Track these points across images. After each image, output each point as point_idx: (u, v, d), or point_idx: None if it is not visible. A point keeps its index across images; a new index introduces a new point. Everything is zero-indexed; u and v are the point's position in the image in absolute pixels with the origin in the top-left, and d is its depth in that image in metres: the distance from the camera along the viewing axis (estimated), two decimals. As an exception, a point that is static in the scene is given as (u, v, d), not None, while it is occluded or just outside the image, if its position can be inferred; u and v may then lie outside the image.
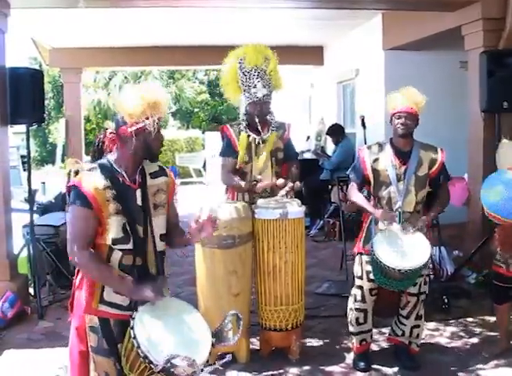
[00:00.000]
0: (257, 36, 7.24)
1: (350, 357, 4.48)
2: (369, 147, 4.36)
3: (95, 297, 2.74)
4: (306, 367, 4.38)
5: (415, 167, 4.17)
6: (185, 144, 20.44)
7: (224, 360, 2.74)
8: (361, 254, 4.28)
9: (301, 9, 7.49)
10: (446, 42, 7.50)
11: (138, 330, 2.53)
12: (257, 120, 4.60)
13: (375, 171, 4.22)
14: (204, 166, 18.48)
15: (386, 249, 3.89)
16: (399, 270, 3.79)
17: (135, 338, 2.51)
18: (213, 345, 2.69)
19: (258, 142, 4.69)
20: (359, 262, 4.29)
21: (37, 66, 18.09)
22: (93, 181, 2.68)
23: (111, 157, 2.80)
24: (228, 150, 4.75)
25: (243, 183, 4.62)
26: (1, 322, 5.21)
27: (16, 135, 15.39)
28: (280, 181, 4.63)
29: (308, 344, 4.81)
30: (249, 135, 4.68)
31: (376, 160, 4.23)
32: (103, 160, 2.80)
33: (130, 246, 2.74)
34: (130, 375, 2.62)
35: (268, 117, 4.70)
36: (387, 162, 4.19)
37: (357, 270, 4.32)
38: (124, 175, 2.77)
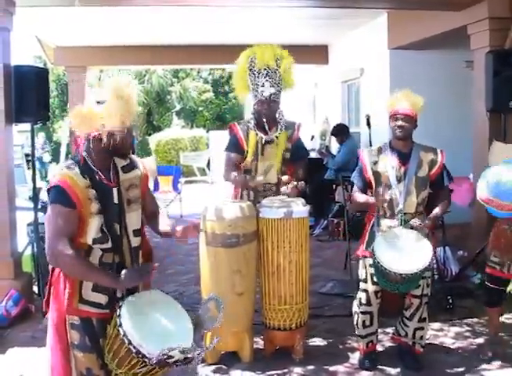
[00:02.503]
0: (261, 35, 7.26)
1: (354, 357, 4.47)
2: (368, 150, 4.38)
3: (75, 297, 2.72)
4: (310, 367, 4.38)
5: (415, 168, 4.17)
6: (189, 143, 20.43)
7: (214, 342, 2.77)
8: (364, 257, 4.26)
9: (306, 8, 7.48)
10: (452, 42, 7.49)
11: (127, 326, 2.53)
12: (264, 119, 4.61)
13: (375, 173, 4.23)
14: (208, 165, 18.48)
15: (387, 252, 3.88)
16: (400, 274, 3.78)
17: (124, 335, 2.51)
18: (194, 331, 2.70)
19: (265, 142, 4.68)
20: (363, 266, 4.28)
21: (41, 65, 18.12)
22: (75, 180, 2.67)
23: (85, 154, 2.77)
24: (234, 146, 4.77)
25: (239, 178, 4.61)
26: (6, 320, 5.22)
27: (20, 133, 15.40)
28: (285, 177, 4.65)
29: (312, 343, 4.80)
30: (256, 134, 4.69)
31: (376, 162, 4.24)
32: (78, 159, 2.77)
33: (109, 245, 2.75)
34: (117, 370, 2.63)
35: (276, 116, 4.71)
36: (387, 164, 4.19)
37: (361, 273, 4.31)
38: (100, 173, 2.76)
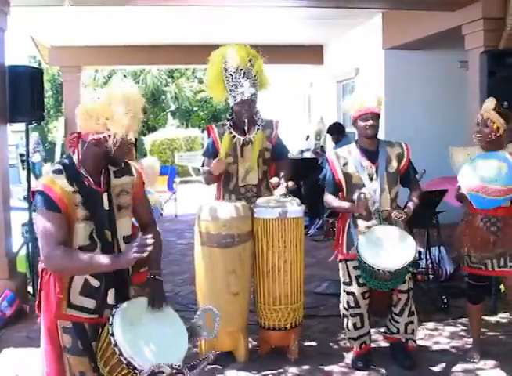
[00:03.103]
0: (256, 35, 7.27)
1: (349, 357, 4.47)
2: (336, 152, 4.39)
3: (64, 301, 2.67)
4: (305, 367, 4.38)
5: (385, 164, 4.20)
6: (184, 143, 20.42)
7: (205, 360, 2.67)
8: (346, 260, 4.26)
9: (301, 8, 7.47)
10: (446, 42, 7.50)
11: (118, 336, 2.49)
12: (245, 120, 4.56)
13: (346, 174, 4.24)
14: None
15: (372, 251, 3.89)
16: (389, 271, 3.79)
17: (116, 345, 2.47)
18: (189, 339, 2.67)
19: (243, 143, 4.66)
20: (345, 268, 4.27)
21: (36, 65, 18.08)
22: (60, 184, 2.59)
23: (75, 158, 2.69)
24: (210, 150, 4.76)
25: (211, 166, 4.58)
26: (0, 320, 5.21)
27: (14, 133, 15.37)
28: (275, 179, 4.62)
29: (307, 343, 4.80)
30: (234, 136, 4.65)
31: (345, 164, 4.24)
32: (66, 161, 2.70)
33: (98, 253, 2.65)
34: None
35: (254, 116, 4.68)
36: (357, 164, 4.21)
37: (344, 277, 4.30)
38: (89, 178, 2.68)
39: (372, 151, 4.24)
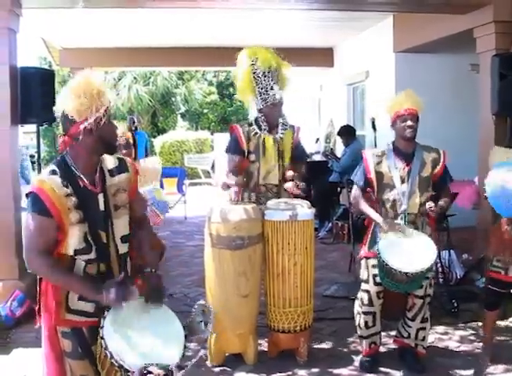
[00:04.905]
0: (266, 38, 7.27)
1: (358, 360, 4.46)
2: (372, 150, 4.38)
3: (62, 306, 2.65)
4: (314, 370, 4.37)
5: (418, 168, 4.18)
6: (193, 145, 20.46)
7: (196, 358, 2.68)
8: (367, 258, 4.26)
9: (311, 11, 7.49)
10: (457, 45, 7.48)
11: (109, 339, 2.48)
12: (273, 121, 4.64)
13: (378, 173, 4.22)
14: (213, 167, 18.46)
15: (392, 252, 3.88)
16: (406, 273, 3.78)
17: (106, 348, 2.46)
18: (186, 337, 2.65)
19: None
20: (365, 266, 4.28)
21: (47, 67, 18.16)
22: (53, 187, 2.54)
23: (68, 159, 2.65)
24: (235, 147, 4.75)
25: (234, 178, 4.62)
26: (10, 321, 5.23)
27: (25, 134, 15.42)
28: (290, 173, 4.66)
29: (316, 346, 4.80)
30: (260, 135, 4.69)
31: (379, 162, 4.24)
32: (60, 163, 2.65)
33: (92, 255, 2.63)
34: None
35: (281, 118, 4.74)
36: (391, 164, 4.20)
37: (363, 274, 4.30)
38: (84, 178, 2.63)
39: (407, 153, 4.21)
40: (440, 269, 5.81)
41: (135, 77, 22.71)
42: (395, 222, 4.08)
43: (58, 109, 2.63)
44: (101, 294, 2.52)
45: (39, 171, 6.25)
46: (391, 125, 4.25)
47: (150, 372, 2.41)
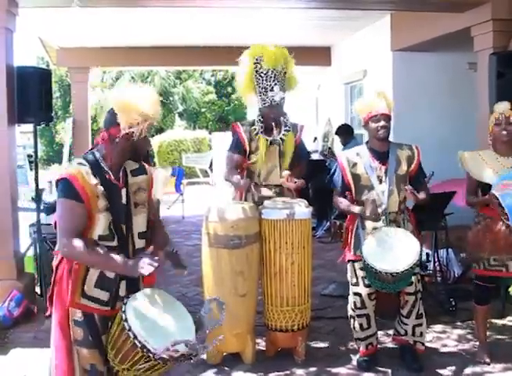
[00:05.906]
0: (264, 36, 7.23)
1: (356, 359, 4.45)
2: (346, 153, 4.38)
3: (77, 291, 2.75)
4: (312, 369, 4.37)
5: (395, 166, 4.18)
6: (191, 144, 20.47)
7: (218, 338, 2.77)
8: (353, 261, 4.25)
9: (309, 10, 7.48)
10: (455, 43, 7.47)
11: (132, 321, 2.58)
12: (271, 122, 4.61)
13: (355, 176, 4.22)
14: (211, 166, 18.48)
15: (376, 253, 3.87)
16: (391, 273, 3.76)
17: (130, 329, 2.55)
18: (196, 331, 2.73)
19: (269, 143, 4.68)
20: (352, 270, 4.28)
21: (44, 66, 18.14)
22: (85, 176, 2.70)
23: (97, 154, 2.82)
24: (237, 146, 4.75)
25: (241, 181, 4.60)
26: (8, 321, 5.22)
27: (22, 134, 15.40)
28: (286, 172, 4.62)
29: (314, 345, 4.79)
30: (266, 139, 4.67)
31: (354, 165, 4.23)
32: (90, 156, 2.81)
33: (114, 243, 2.78)
34: (119, 367, 2.67)
35: (282, 118, 4.71)
36: (366, 165, 4.19)
37: (351, 278, 4.30)
38: (110, 173, 2.80)
39: (382, 153, 4.22)
40: (438, 268, 5.81)
41: (132, 77, 22.71)
42: (373, 199, 4.03)
43: (110, 102, 2.81)
44: (136, 266, 2.65)
45: (36, 170, 6.24)
46: (364, 126, 4.25)
47: (176, 350, 2.50)
